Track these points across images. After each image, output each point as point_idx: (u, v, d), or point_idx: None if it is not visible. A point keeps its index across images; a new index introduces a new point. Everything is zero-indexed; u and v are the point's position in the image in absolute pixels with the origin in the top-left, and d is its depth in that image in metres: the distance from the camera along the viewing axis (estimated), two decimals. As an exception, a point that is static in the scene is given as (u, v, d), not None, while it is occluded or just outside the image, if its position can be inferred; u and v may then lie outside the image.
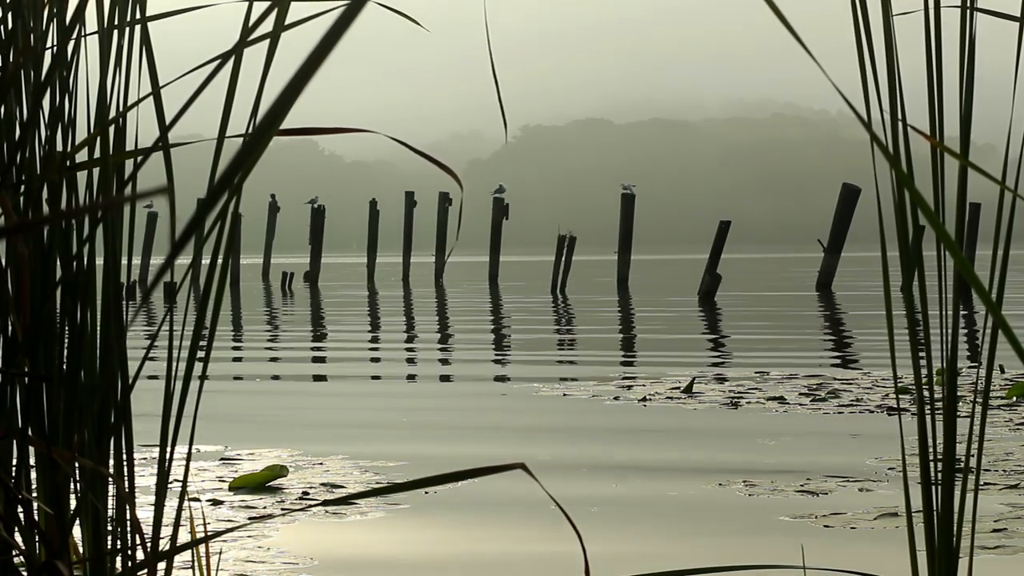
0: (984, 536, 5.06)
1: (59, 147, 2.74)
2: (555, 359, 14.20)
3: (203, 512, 4.59)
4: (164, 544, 2.81)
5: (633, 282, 39.47)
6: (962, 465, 2.68)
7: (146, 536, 2.68)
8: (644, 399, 9.71)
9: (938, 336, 2.62)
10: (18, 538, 2.64)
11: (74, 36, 2.72)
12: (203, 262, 2.68)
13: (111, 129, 2.75)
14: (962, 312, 20.00)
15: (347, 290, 39.77)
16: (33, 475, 2.78)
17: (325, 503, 2.39)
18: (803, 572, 4.19)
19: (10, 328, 2.65)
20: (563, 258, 38.26)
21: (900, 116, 2.57)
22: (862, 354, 13.90)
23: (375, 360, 14.78)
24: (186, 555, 4.52)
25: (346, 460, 7.03)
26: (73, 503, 2.75)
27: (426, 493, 6.04)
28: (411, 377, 12.56)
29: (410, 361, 14.37)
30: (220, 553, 4.90)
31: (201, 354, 2.68)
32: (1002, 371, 10.89)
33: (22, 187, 2.71)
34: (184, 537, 4.95)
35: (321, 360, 14.77)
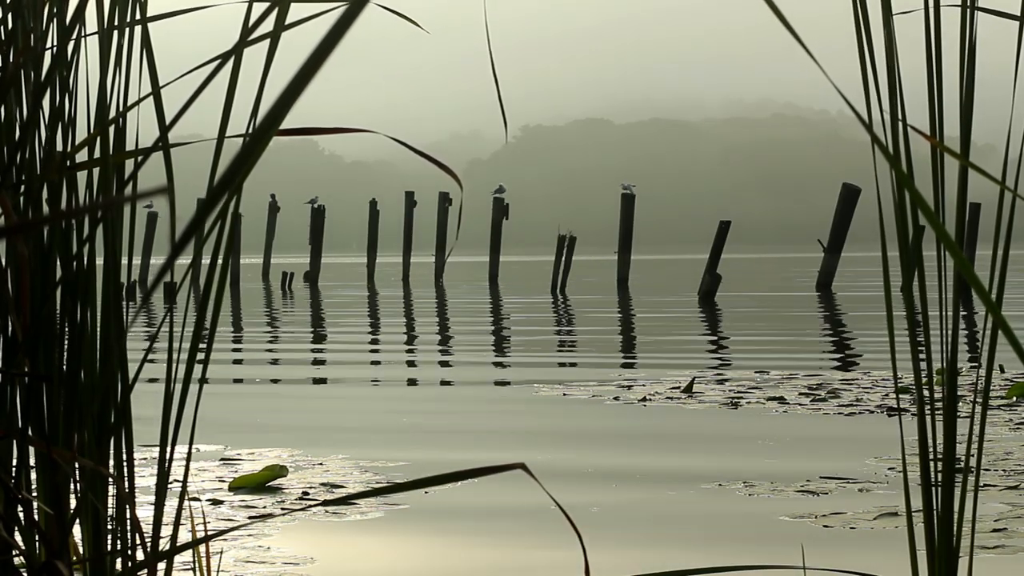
0: (984, 536, 5.06)
1: (59, 147, 2.74)
2: (555, 359, 14.19)
3: (203, 512, 4.59)
4: (164, 544, 2.81)
5: (633, 282, 39.47)
6: (962, 465, 2.68)
7: (146, 536, 2.68)
8: (644, 399, 9.71)
9: (938, 336, 2.62)
10: (18, 538, 2.64)
11: (74, 36, 2.72)
12: (203, 262, 2.68)
13: (111, 129, 2.75)
14: (962, 312, 20.00)
15: (347, 290, 39.77)
16: (33, 475, 2.78)
17: (325, 503, 2.39)
18: (803, 572, 4.19)
19: (10, 328, 2.65)
20: (563, 258, 38.26)
21: (900, 116, 2.57)
22: (862, 354, 13.90)
23: (375, 360, 14.78)
24: (186, 555, 4.53)
25: (346, 460, 7.03)
26: (73, 503, 2.75)
27: (426, 493, 6.04)
28: (411, 377, 12.56)
29: (410, 361, 14.37)
30: (221, 553, 4.90)
31: (201, 354, 2.68)
32: (1002, 371, 10.88)
33: (22, 187, 2.71)
34: (184, 537, 4.95)
35: (321, 360, 14.77)
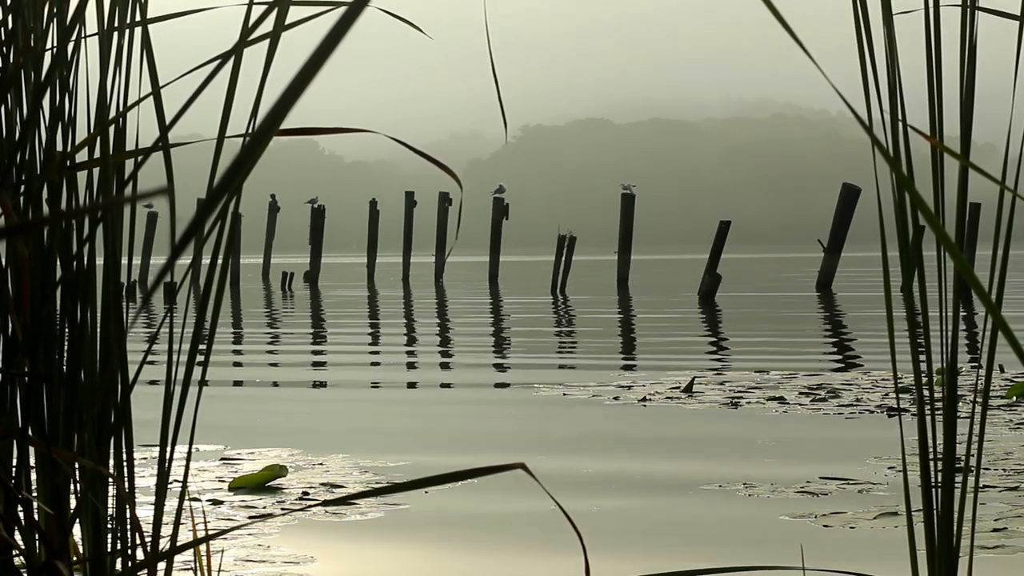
0: (984, 536, 5.06)
1: (59, 147, 2.74)
2: (555, 359, 14.19)
3: (203, 512, 4.59)
4: (164, 544, 2.81)
5: (633, 282, 39.47)
6: (962, 465, 2.68)
7: (146, 536, 2.68)
8: (644, 399, 9.71)
9: (938, 336, 2.62)
10: (18, 538, 2.64)
11: (74, 36, 2.72)
12: (203, 262, 2.68)
13: (111, 129, 2.75)
14: (962, 312, 20.00)
15: (347, 290, 39.77)
16: (33, 475, 2.78)
17: (325, 503, 2.39)
18: (803, 573, 4.19)
19: (10, 328, 2.65)
20: (563, 258, 38.26)
21: (900, 116, 2.57)
22: (862, 354, 13.90)
23: (375, 361, 14.78)
24: (186, 555, 4.53)
25: (346, 460, 7.03)
26: (73, 503, 2.75)
27: (426, 493, 6.04)
28: (411, 377, 12.56)
29: (410, 361, 14.37)
30: (222, 552, 4.90)
31: (201, 354, 2.68)
32: (1002, 371, 10.88)
33: (22, 187, 2.71)
34: (184, 537, 4.95)
35: (321, 360, 14.77)
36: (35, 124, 2.70)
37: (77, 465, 2.70)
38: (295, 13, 2.65)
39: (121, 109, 2.74)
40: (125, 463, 2.75)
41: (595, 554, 4.82)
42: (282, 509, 5.85)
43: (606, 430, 8.34)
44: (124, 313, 2.77)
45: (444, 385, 11.66)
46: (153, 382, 3.87)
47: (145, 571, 2.67)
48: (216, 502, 5.98)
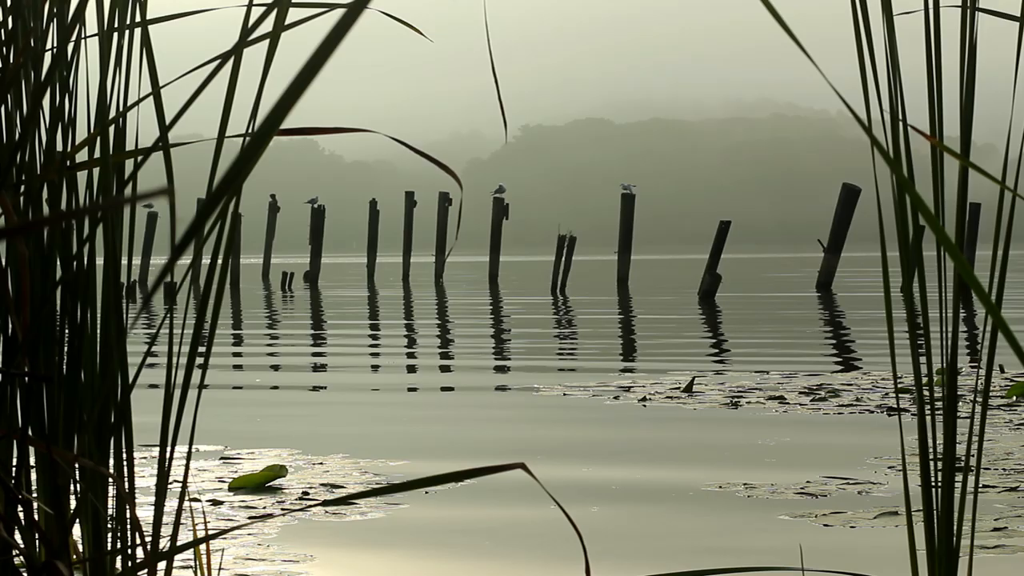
0: (984, 536, 5.06)
1: (59, 147, 2.74)
2: (555, 359, 14.19)
3: (203, 512, 4.59)
4: (164, 544, 2.81)
5: (633, 282, 39.47)
6: (962, 465, 2.68)
7: (146, 536, 2.68)
8: (644, 399, 9.71)
9: (938, 336, 2.62)
10: (18, 538, 2.64)
11: (74, 36, 2.72)
12: (203, 262, 2.68)
13: (111, 129, 2.75)
14: (962, 312, 20.00)
15: (347, 290, 39.77)
16: (33, 475, 2.78)
17: (325, 503, 2.39)
18: (802, 573, 4.19)
19: (10, 328, 2.65)
20: (563, 258, 38.26)
21: (900, 116, 2.57)
22: (862, 354, 13.90)
23: (375, 360, 14.78)
24: (186, 555, 4.53)
25: (346, 460, 7.03)
26: (73, 503, 2.75)
27: (426, 493, 6.04)
28: (411, 377, 12.56)
29: (410, 361, 14.37)
30: (222, 552, 4.90)
31: (201, 354, 2.68)
32: (1002, 371, 10.89)
33: (22, 187, 2.71)
34: (184, 537, 4.95)
35: (321, 360, 14.77)
36: (35, 124, 2.70)
37: (77, 465, 2.70)
38: (295, 13, 2.65)
39: (121, 109, 2.75)
40: (125, 463, 2.75)
41: (595, 554, 4.82)
42: (282, 509, 5.85)
43: (606, 430, 8.34)
44: (124, 313, 2.77)
45: (444, 386, 11.66)
46: (153, 386, 3.87)
47: (145, 571, 2.67)
48: (216, 502, 5.98)
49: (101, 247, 2.75)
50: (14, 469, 2.70)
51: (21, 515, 2.65)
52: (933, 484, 2.60)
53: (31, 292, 2.67)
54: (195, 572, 3.40)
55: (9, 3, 2.69)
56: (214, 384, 11.15)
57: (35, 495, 2.75)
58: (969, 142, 2.54)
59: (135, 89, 2.73)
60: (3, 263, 2.65)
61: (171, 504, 3.54)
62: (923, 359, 2.62)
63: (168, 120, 2.71)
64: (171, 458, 2.73)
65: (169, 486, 2.74)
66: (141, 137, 2.76)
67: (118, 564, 2.75)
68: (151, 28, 2.73)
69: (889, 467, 6.61)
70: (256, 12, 2.62)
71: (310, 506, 2.87)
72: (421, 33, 2.89)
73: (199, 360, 2.71)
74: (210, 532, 5.06)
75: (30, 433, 2.71)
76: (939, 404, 2.66)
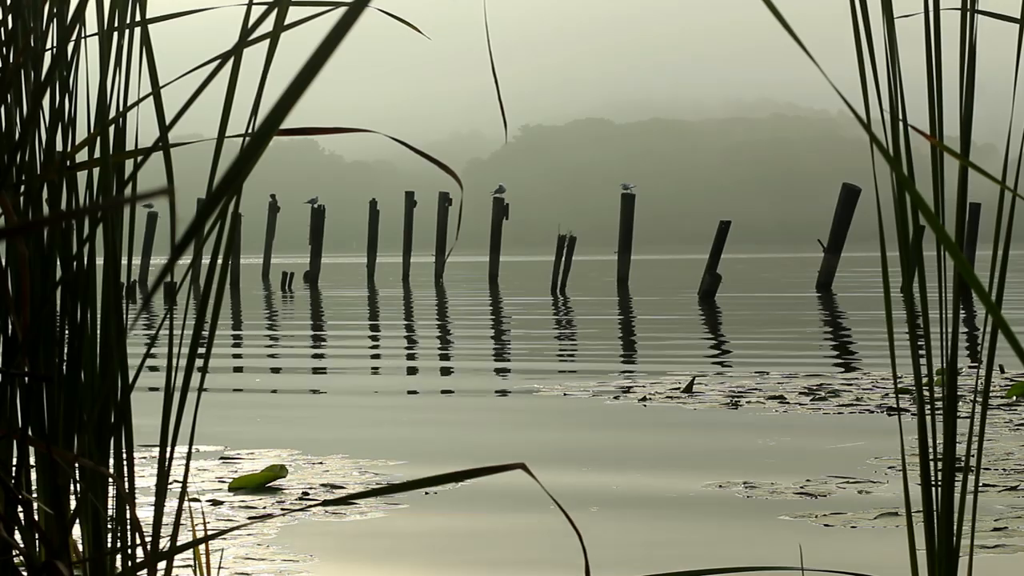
0: (984, 536, 5.06)
1: (59, 147, 2.74)
2: (555, 359, 14.20)
3: (203, 512, 4.59)
4: (164, 544, 2.81)
5: (633, 282, 39.47)
6: (962, 465, 2.68)
7: (146, 536, 2.68)
8: (644, 399, 9.71)
9: (938, 336, 2.62)
10: (18, 538, 2.64)
11: (74, 36, 2.72)
12: (203, 262, 2.68)
13: (111, 129, 2.75)
14: (962, 312, 20.00)
15: (347, 290, 39.77)
16: (33, 475, 2.78)
17: (325, 503, 2.39)
18: (802, 573, 4.19)
19: (10, 328, 2.65)
20: (563, 258, 38.26)
21: (900, 116, 2.57)
22: (862, 354, 13.90)
23: (375, 361, 14.78)
24: (186, 555, 4.53)
25: (346, 460, 7.03)
26: (73, 503, 2.75)
27: (426, 493, 6.04)
28: (411, 377, 12.56)
29: (410, 361, 14.37)
30: (221, 552, 4.90)
31: (201, 354, 2.68)
32: (1002, 371, 10.88)
33: (22, 187, 2.71)
34: (184, 537, 4.95)
35: (321, 360, 14.77)
36: (35, 124, 2.70)
37: (77, 465, 2.70)
38: (295, 13, 2.65)
39: (121, 109, 2.75)
40: (125, 463, 2.75)
41: (595, 554, 4.82)
42: (282, 509, 5.85)
43: (606, 430, 8.34)
44: (124, 313, 2.77)
45: (444, 388, 11.66)
46: (153, 389, 3.88)
47: (145, 571, 2.67)
48: (216, 502, 5.98)
49: (101, 247, 2.75)
50: (14, 469, 2.70)
51: (21, 515, 2.65)
52: (933, 484, 2.60)
53: (31, 292, 2.67)
54: (195, 572, 3.40)
55: (9, 3, 2.69)
56: (214, 385, 11.15)
57: (35, 495, 2.75)
58: (969, 142, 2.54)
59: (135, 89, 2.73)
60: (3, 263, 2.65)
61: (171, 504, 3.55)
62: (923, 359, 2.62)
63: (168, 120, 2.71)
64: (171, 458, 2.73)
65: (169, 486, 2.74)
66: (141, 137, 2.76)
67: (118, 564, 2.75)
68: (151, 28, 2.73)
69: (889, 467, 6.61)
70: (256, 12, 2.62)
71: (310, 506, 2.87)
72: (421, 32, 2.89)
73: (199, 360, 2.71)
74: (210, 532, 5.06)
75: (30, 433, 2.71)
76: (939, 404, 2.66)
